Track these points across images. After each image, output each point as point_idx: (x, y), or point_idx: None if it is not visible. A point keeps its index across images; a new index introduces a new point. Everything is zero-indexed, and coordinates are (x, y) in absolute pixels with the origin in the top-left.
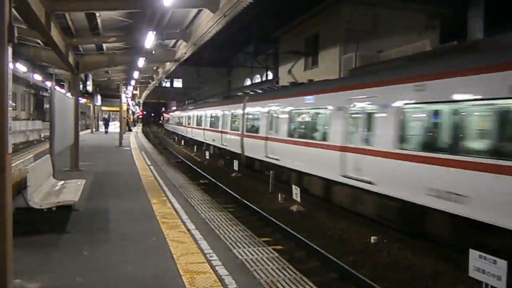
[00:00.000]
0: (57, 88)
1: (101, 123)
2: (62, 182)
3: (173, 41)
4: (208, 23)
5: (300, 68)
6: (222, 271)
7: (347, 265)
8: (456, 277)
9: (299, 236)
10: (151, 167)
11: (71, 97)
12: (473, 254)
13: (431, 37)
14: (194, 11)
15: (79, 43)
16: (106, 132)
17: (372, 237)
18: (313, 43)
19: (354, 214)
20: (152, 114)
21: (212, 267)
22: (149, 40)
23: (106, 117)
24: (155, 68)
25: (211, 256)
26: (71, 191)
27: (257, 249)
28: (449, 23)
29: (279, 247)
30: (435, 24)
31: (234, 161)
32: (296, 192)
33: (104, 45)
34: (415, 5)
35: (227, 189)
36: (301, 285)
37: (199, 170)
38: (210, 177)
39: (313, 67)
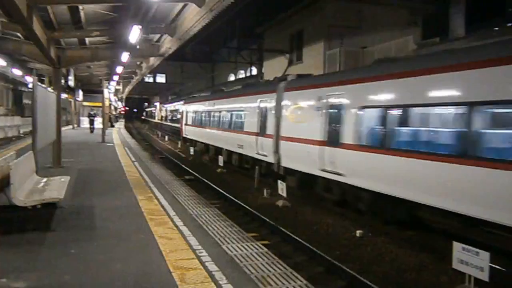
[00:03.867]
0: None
1: (82, 118)
2: (46, 179)
3: (158, 35)
4: (193, 18)
5: (285, 63)
6: (212, 267)
7: (334, 259)
8: (440, 269)
9: (285, 231)
10: (136, 163)
11: (53, 92)
12: (457, 246)
13: (414, 33)
14: (179, 5)
15: (61, 37)
16: (92, 130)
17: (358, 231)
18: (297, 38)
19: (339, 208)
20: (135, 110)
21: (202, 263)
22: (134, 34)
23: (92, 113)
24: (138, 63)
25: (200, 252)
26: (55, 188)
27: (246, 245)
28: (431, 20)
29: (266, 242)
30: (418, 20)
31: (219, 156)
32: (282, 187)
33: (87, 39)
34: (398, 1)
35: (213, 185)
36: (292, 280)
37: (184, 166)
38: (195, 173)
39: (298, 63)
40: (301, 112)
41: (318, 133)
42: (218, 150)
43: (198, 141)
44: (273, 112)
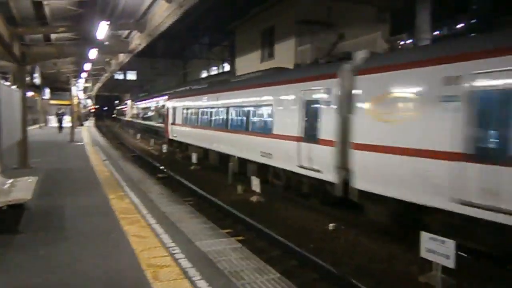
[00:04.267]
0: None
1: (50, 117)
2: (12, 180)
3: (127, 31)
4: (163, 14)
5: (257, 60)
6: (185, 263)
7: (308, 252)
8: (409, 258)
9: (259, 226)
10: (107, 162)
11: (17, 90)
12: (425, 236)
13: (382, 30)
14: (148, 0)
15: (25, 33)
16: (61, 129)
17: (330, 224)
18: (269, 35)
19: (312, 203)
20: (105, 108)
21: (175, 260)
22: (102, 30)
23: (60, 112)
24: (107, 59)
25: (173, 250)
26: (23, 189)
27: (220, 241)
28: (398, 17)
29: (241, 237)
30: (386, 17)
31: (193, 154)
32: (255, 183)
33: (53, 36)
34: None
35: (186, 182)
36: (265, 274)
37: (157, 164)
38: (168, 171)
39: (270, 59)
40: (400, 106)
41: (446, 140)
42: (224, 157)
43: (193, 145)
44: (332, 107)
